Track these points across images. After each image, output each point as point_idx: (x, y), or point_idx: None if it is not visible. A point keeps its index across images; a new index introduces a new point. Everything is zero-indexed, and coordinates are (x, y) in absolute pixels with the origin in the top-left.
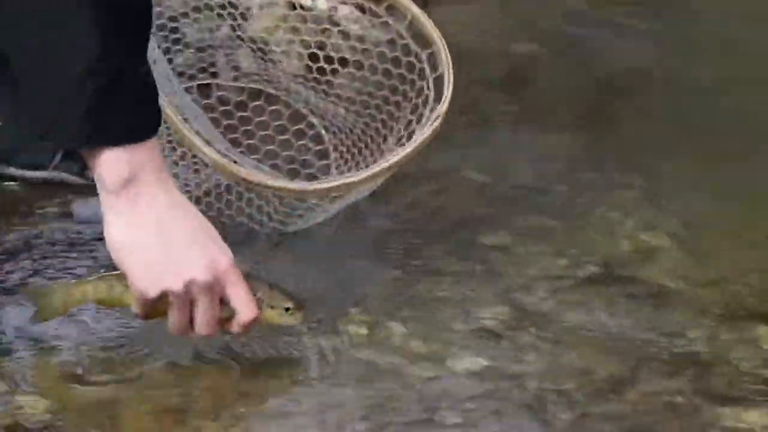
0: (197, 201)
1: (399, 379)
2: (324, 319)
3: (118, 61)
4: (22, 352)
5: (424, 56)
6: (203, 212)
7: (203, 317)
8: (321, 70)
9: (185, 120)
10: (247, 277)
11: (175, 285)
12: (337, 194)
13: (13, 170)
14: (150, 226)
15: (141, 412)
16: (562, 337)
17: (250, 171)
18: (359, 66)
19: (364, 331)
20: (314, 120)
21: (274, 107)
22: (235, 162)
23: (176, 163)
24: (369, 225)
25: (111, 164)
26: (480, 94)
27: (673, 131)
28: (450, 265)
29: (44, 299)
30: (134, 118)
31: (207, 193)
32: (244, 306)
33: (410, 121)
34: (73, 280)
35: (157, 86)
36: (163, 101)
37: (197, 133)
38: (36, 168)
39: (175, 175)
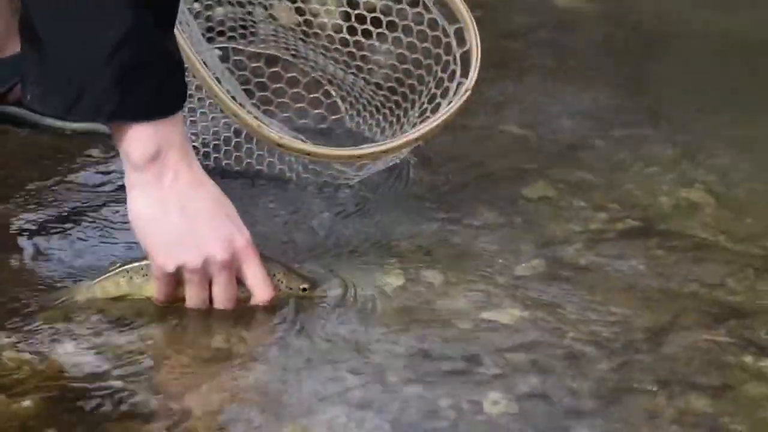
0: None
1: (437, 329)
2: (363, 270)
3: (147, 35)
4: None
5: (451, 31)
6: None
7: (222, 295)
8: (344, 42)
9: (218, 81)
10: (264, 258)
11: (194, 260)
12: (364, 162)
13: (51, 121)
14: (173, 202)
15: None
16: (600, 288)
17: (282, 136)
18: (383, 39)
19: (402, 282)
20: (332, 90)
21: (290, 74)
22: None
23: None
24: (408, 177)
25: (137, 141)
26: (518, 50)
27: (712, 88)
28: (489, 217)
29: (68, 299)
30: (161, 93)
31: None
32: (260, 286)
33: (434, 95)
34: (94, 280)
35: (191, 48)
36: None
37: (228, 92)
38: (74, 120)
39: None
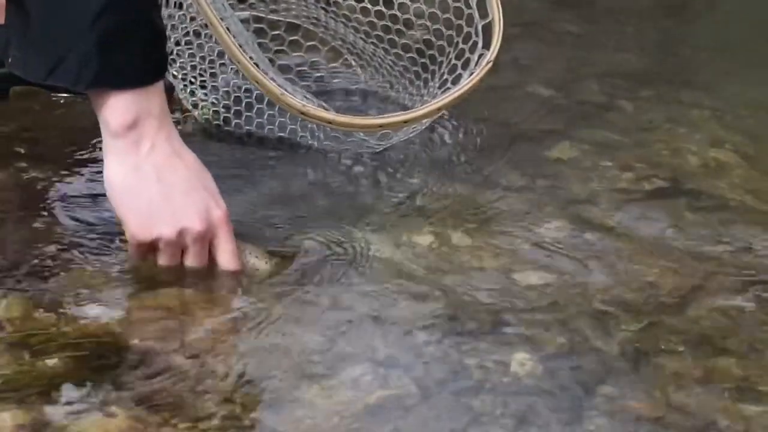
0: None
1: (464, 290)
2: (389, 230)
3: (131, 3)
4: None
5: (473, 2)
6: None
7: (193, 262)
8: (365, 11)
9: (241, 47)
10: (235, 235)
11: (169, 232)
12: (386, 130)
13: None
14: (149, 171)
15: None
16: (627, 250)
17: (305, 104)
18: (405, 9)
19: (429, 242)
20: (351, 59)
21: (311, 42)
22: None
23: None
24: (434, 139)
25: (116, 108)
26: (546, 12)
27: (741, 50)
28: (515, 178)
29: None
30: (142, 62)
31: None
32: (229, 260)
33: (455, 66)
34: None
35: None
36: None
37: (251, 59)
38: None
39: None
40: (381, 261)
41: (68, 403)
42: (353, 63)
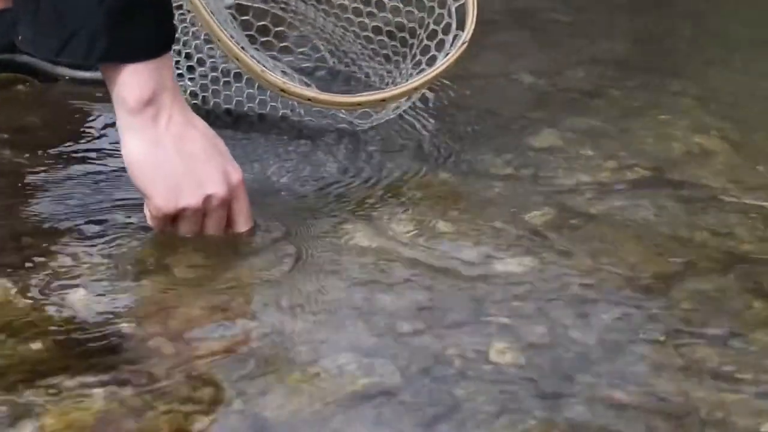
0: None
1: (446, 278)
2: (372, 219)
3: None
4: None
5: None
6: None
7: (214, 227)
8: None
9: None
10: None
11: (194, 200)
12: (365, 108)
13: (62, 70)
14: (169, 143)
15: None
16: (609, 237)
17: (286, 81)
18: None
19: (411, 231)
20: (320, 44)
21: (279, 28)
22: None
23: None
24: (419, 127)
25: (132, 84)
26: (534, 0)
27: (727, 38)
28: (499, 166)
29: None
30: (152, 33)
31: None
32: (244, 221)
33: (428, 47)
34: None
35: None
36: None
37: (232, 37)
38: (88, 68)
39: None
40: (363, 249)
41: (50, 387)
42: (321, 48)
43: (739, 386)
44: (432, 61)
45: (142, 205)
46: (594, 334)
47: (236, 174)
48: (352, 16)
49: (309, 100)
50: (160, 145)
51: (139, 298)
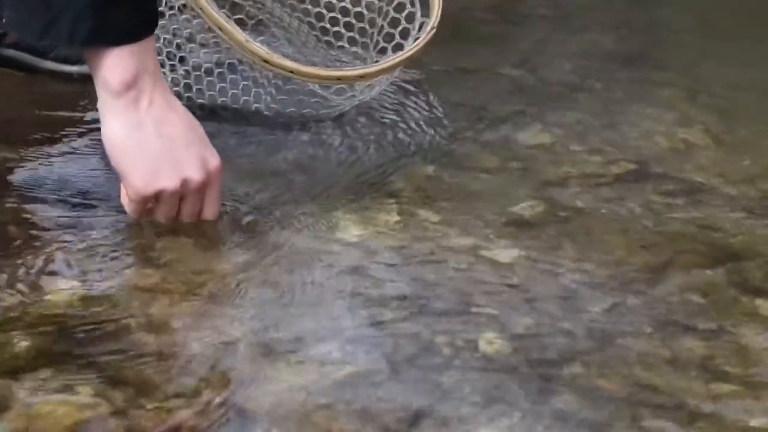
0: None
1: (433, 269)
2: (359, 210)
3: None
4: None
5: None
6: None
7: (189, 212)
8: None
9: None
10: None
11: (172, 184)
12: (343, 84)
13: (50, 64)
14: (149, 126)
15: None
16: (596, 230)
17: (270, 52)
18: None
19: (398, 222)
20: (277, 32)
21: (237, 16)
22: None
23: None
24: (405, 121)
25: (115, 68)
26: None
27: (712, 31)
28: (485, 160)
29: None
30: (136, 17)
31: None
32: (213, 208)
33: (392, 35)
34: None
35: None
36: None
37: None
38: (74, 62)
39: None
40: (350, 240)
41: (35, 381)
42: (280, 36)
43: (728, 379)
44: (399, 47)
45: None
46: (581, 325)
47: (214, 160)
48: (309, 6)
49: (291, 72)
50: (141, 128)
51: (124, 290)
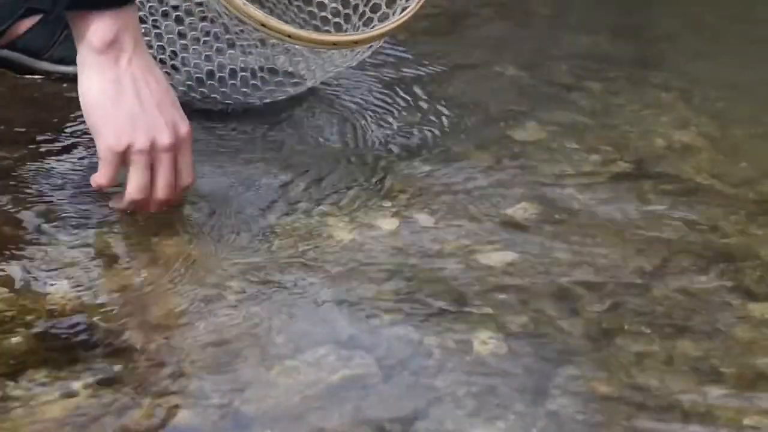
0: None
1: (428, 270)
2: (353, 211)
3: None
4: None
5: None
6: None
7: (163, 180)
8: None
9: None
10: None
11: (143, 141)
12: (338, 48)
13: (45, 65)
14: (127, 83)
15: None
16: (592, 231)
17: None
18: None
19: (393, 223)
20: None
21: None
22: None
23: None
24: (400, 118)
25: (97, 29)
26: None
27: (710, 32)
28: (482, 159)
29: None
30: None
31: None
32: (187, 174)
33: (377, 5)
34: None
35: None
36: None
37: None
38: (70, 63)
39: None
40: (344, 241)
41: (31, 382)
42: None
43: (722, 380)
44: (385, 17)
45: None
46: (576, 326)
47: (184, 126)
48: None
49: (289, 36)
50: (118, 84)
51: (119, 290)
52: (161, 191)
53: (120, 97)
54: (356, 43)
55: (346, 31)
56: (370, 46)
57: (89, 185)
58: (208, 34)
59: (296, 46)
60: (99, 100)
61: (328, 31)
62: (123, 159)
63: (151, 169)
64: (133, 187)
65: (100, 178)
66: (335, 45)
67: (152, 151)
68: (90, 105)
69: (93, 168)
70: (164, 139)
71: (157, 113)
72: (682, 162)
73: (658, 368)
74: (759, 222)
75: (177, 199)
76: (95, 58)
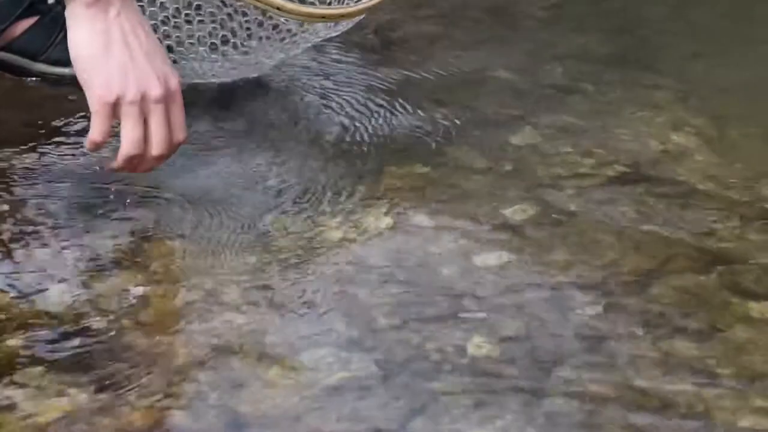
0: None
1: (424, 272)
2: (350, 213)
3: None
4: None
5: None
6: None
7: (158, 134)
8: None
9: None
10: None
11: (134, 92)
12: (327, 21)
13: (42, 67)
14: (117, 35)
15: None
16: (588, 233)
17: None
18: None
19: (389, 225)
20: None
21: None
22: None
23: None
24: (396, 122)
25: None
26: None
27: (705, 33)
28: (477, 162)
29: None
30: None
31: None
32: (180, 127)
33: None
34: None
35: None
36: None
37: None
38: (66, 65)
39: None
40: (341, 243)
41: (26, 384)
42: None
43: (718, 381)
44: None
45: (121, 197)
46: (572, 328)
47: (174, 79)
48: None
49: (278, 8)
50: (107, 35)
51: (116, 292)
52: (156, 146)
53: (109, 47)
54: (343, 16)
55: (329, 4)
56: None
57: (87, 186)
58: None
59: (283, 19)
60: (89, 52)
61: (312, 4)
62: (114, 111)
63: (145, 124)
64: (128, 141)
65: (94, 135)
66: (324, 18)
67: (143, 102)
68: (80, 57)
69: (90, 169)
70: (155, 90)
71: (147, 64)
72: (677, 164)
73: (654, 370)
74: (756, 224)
75: (170, 154)
76: (84, 11)
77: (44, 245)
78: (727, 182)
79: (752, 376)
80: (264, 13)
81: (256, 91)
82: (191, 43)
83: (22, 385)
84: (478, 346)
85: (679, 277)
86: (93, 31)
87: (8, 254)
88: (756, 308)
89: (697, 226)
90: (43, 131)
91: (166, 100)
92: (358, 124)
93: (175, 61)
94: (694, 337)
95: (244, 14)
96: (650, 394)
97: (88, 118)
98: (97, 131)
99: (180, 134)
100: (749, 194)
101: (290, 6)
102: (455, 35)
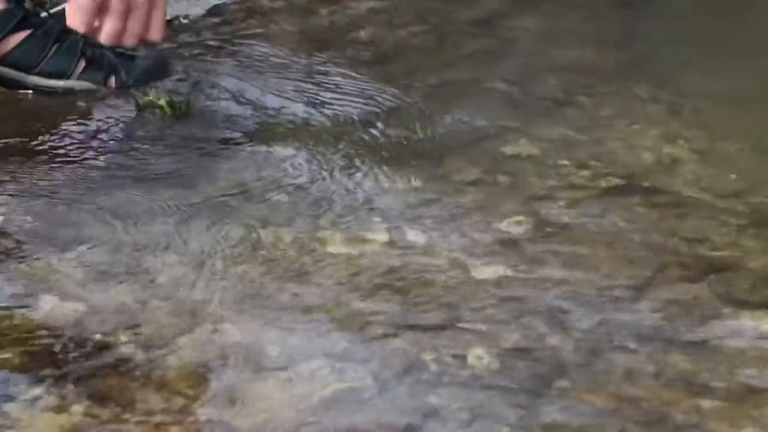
0: None
1: (420, 285)
2: (345, 226)
3: None
4: None
5: None
6: None
7: (135, 29)
8: None
9: None
10: None
11: None
12: None
13: (35, 79)
14: None
15: None
16: (582, 245)
17: None
18: None
19: (385, 238)
20: None
21: None
22: None
23: None
24: (390, 134)
25: None
26: (505, 9)
27: (697, 43)
28: (472, 174)
29: None
30: None
31: None
32: (158, 28)
33: None
34: None
35: None
36: None
37: None
38: (59, 77)
39: None
40: (337, 257)
41: (21, 398)
42: None
43: (712, 392)
44: None
45: (116, 210)
46: (568, 340)
47: None
48: None
49: None
50: None
51: (112, 305)
52: (129, 39)
53: None
54: None
55: None
56: None
57: (82, 199)
58: None
59: None
60: None
61: None
62: (100, 7)
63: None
64: (107, 33)
65: (79, 26)
66: None
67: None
68: None
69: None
70: None
71: None
72: (671, 175)
73: (649, 382)
74: (748, 234)
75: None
76: None
77: (38, 257)
78: (721, 192)
79: (746, 388)
80: None
81: (254, 101)
82: None
83: (15, 400)
84: (478, 357)
85: (673, 288)
86: None
87: (4, 266)
88: (749, 319)
89: (690, 235)
90: (38, 143)
91: (151, 3)
92: (351, 137)
93: None
94: (688, 349)
95: None
96: (646, 406)
97: (81, 131)
98: (82, 25)
99: (156, 34)
100: (742, 204)
101: None
102: (449, 48)
